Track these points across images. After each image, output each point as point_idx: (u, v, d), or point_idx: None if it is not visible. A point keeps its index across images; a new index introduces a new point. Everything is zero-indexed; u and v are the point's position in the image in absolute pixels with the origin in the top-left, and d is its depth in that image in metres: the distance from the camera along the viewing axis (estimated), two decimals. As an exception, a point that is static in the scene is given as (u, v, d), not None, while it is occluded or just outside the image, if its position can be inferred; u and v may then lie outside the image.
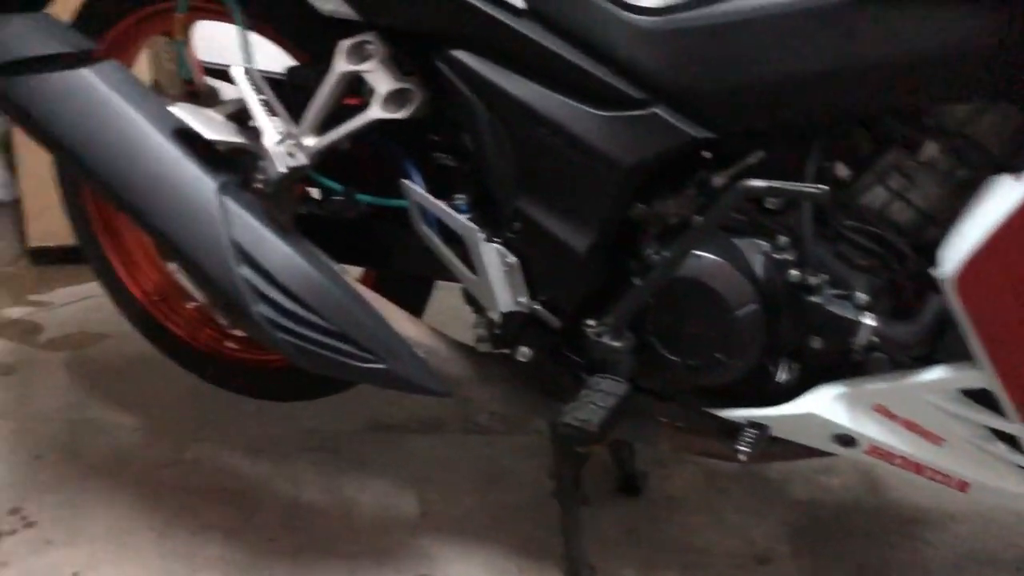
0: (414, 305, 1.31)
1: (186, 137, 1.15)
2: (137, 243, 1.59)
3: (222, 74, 1.38)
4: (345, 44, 1.09)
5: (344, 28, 1.13)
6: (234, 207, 1.12)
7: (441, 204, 1.09)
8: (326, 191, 1.22)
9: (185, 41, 1.27)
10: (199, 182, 1.12)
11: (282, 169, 1.12)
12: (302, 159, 1.12)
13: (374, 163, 1.22)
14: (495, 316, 1.12)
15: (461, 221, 1.08)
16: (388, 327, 1.13)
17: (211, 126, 1.14)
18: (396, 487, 1.54)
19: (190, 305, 1.60)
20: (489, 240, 1.07)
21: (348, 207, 1.22)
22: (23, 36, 1.17)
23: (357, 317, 1.12)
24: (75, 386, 1.88)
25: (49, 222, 2.47)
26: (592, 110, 1.00)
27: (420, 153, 1.16)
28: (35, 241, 2.50)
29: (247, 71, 1.12)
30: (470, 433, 1.67)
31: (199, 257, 1.11)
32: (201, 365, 1.58)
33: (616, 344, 1.02)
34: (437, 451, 1.63)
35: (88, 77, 1.16)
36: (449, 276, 1.17)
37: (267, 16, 1.24)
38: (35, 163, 2.47)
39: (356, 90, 1.16)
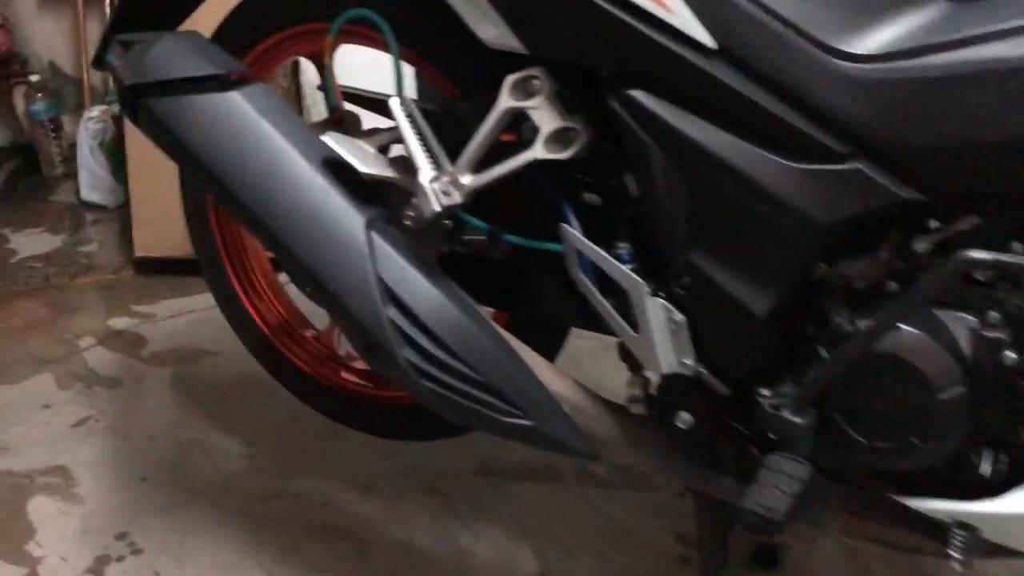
0: (546, 352, 1.24)
1: (335, 168, 1.10)
2: (261, 268, 1.55)
3: (360, 100, 1.33)
4: (511, 79, 1.02)
5: (504, 61, 1.07)
6: (382, 243, 1.06)
7: (602, 252, 1.01)
8: (470, 230, 1.16)
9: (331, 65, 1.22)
10: (347, 215, 1.07)
11: (437, 208, 1.05)
12: (457, 198, 1.06)
13: (522, 202, 1.15)
14: (654, 377, 1.03)
15: (625, 272, 1.00)
16: (535, 380, 1.06)
17: (364, 158, 1.08)
18: (512, 539, 1.46)
19: (309, 333, 1.55)
20: (654, 294, 0.99)
21: (493, 247, 1.15)
22: (172, 56, 1.14)
23: (504, 367, 1.04)
24: (180, 404, 1.85)
25: (156, 232, 2.47)
26: (785, 161, 0.91)
27: (574, 194, 1.09)
28: (141, 251, 2.50)
29: (403, 101, 1.06)
30: (586, 485, 1.58)
31: (343, 293, 1.05)
32: (319, 397, 1.53)
33: (798, 420, 0.93)
34: (552, 502, 1.54)
35: (237, 101, 1.11)
36: (601, 327, 1.09)
37: (421, 44, 1.18)
38: (146, 173, 2.47)
39: (511, 126, 1.10)
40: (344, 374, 1.51)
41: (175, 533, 1.48)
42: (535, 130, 1.06)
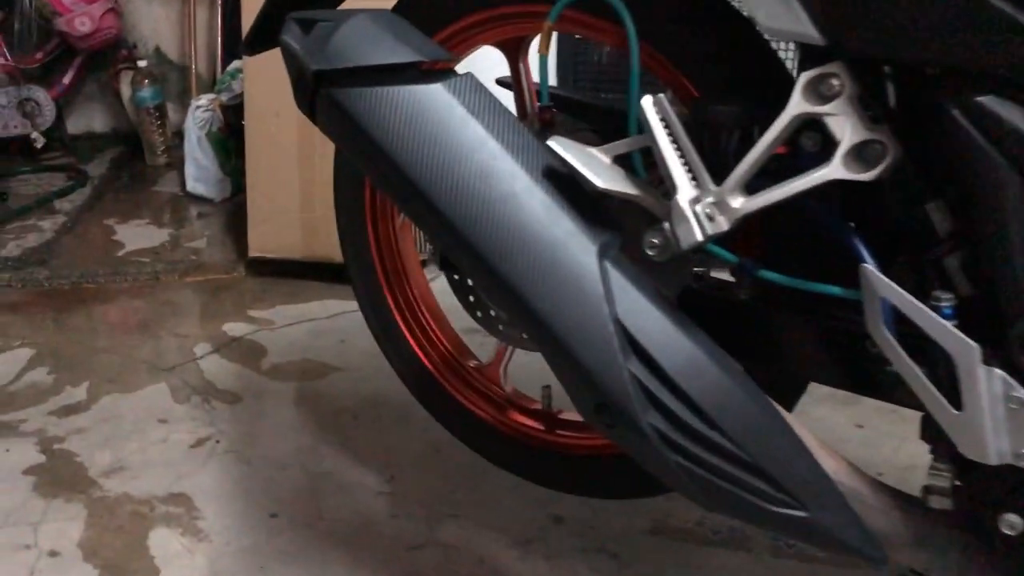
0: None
1: (560, 180, 0.90)
2: (421, 291, 1.36)
3: (561, 102, 1.14)
4: (808, 76, 0.81)
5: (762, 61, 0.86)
6: (619, 278, 0.86)
7: (921, 305, 0.79)
8: (713, 263, 0.95)
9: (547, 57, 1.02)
10: (575, 240, 0.86)
11: (699, 236, 0.85)
12: (723, 224, 0.85)
13: (785, 231, 0.93)
14: (976, 464, 0.81)
15: (953, 332, 0.77)
16: (811, 459, 0.84)
17: (599, 171, 0.88)
18: (701, 619, 1.25)
19: (472, 364, 1.35)
20: (989, 363, 0.77)
21: (741, 287, 0.94)
22: (364, 38, 0.95)
23: (775, 442, 0.83)
24: (307, 426, 1.67)
25: (272, 232, 2.32)
26: None
27: (864, 226, 0.87)
28: (256, 251, 2.35)
29: (657, 103, 0.85)
30: (782, 555, 1.36)
31: (569, 336, 0.85)
32: (480, 437, 1.33)
33: None
34: (743, 574, 1.32)
35: (443, 95, 0.92)
36: (896, 397, 0.87)
37: (662, 34, 0.97)
38: (264, 168, 2.32)
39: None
40: (512, 414, 1.32)
41: (312, 583, 1.30)
42: (820, 143, 0.84)
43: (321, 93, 0.95)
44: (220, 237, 2.62)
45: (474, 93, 0.93)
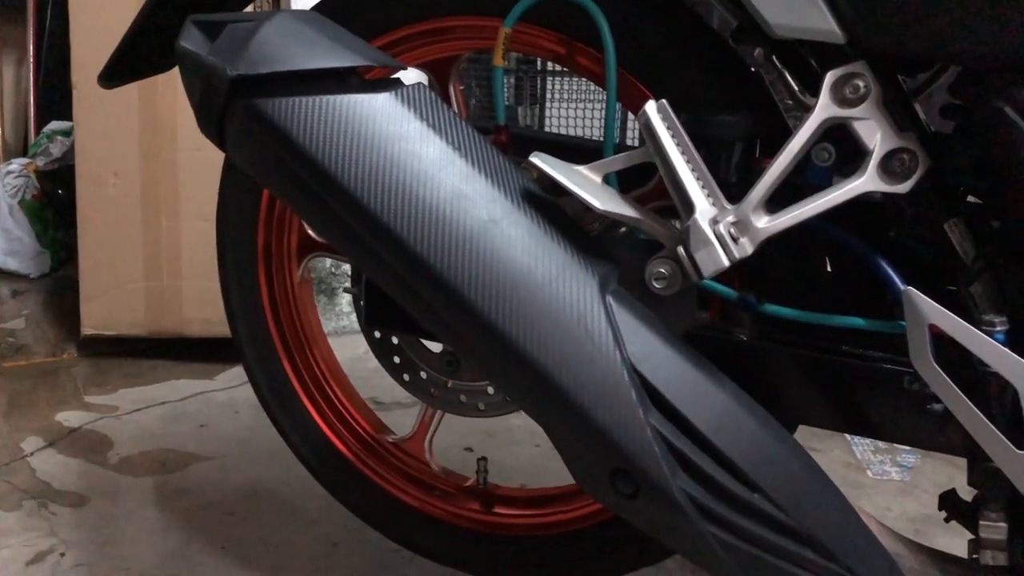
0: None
1: (543, 204, 0.75)
2: (324, 356, 1.17)
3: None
4: (835, 75, 0.71)
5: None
6: (627, 317, 0.72)
7: (976, 331, 0.69)
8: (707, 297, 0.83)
9: (506, 69, 0.88)
10: (573, 273, 0.72)
11: (724, 261, 0.72)
12: (747, 247, 0.72)
13: (785, 259, 0.83)
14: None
15: (1014, 359, 0.68)
16: (860, 522, 0.72)
17: (595, 192, 0.74)
18: None
19: (389, 440, 1.16)
20: (1054, 393, 0.68)
21: (742, 323, 0.82)
22: (293, 40, 0.78)
23: (823, 504, 0.70)
24: (173, 528, 1.41)
25: (108, 306, 2.05)
26: None
27: (891, 247, 0.77)
28: (89, 328, 2.05)
29: (662, 109, 0.73)
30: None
31: (575, 389, 0.69)
32: (400, 524, 1.14)
33: None
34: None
35: (396, 106, 0.76)
36: (937, 441, 0.76)
37: (633, 43, 0.86)
38: (98, 234, 2.05)
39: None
40: (441, 493, 1.13)
41: None
42: (834, 155, 0.75)
43: (237, 105, 0.77)
44: (42, 316, 2.29)
45: (431, 105, 0.78)
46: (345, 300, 2.26)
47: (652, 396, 0.70)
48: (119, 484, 1.53)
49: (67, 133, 2.64)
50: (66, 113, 2.27)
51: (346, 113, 0.75)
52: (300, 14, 0.81)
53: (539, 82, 2.48)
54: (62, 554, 1.34)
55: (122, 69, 1.07)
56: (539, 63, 2.45)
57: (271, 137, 0.76)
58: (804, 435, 0.85)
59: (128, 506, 1.47)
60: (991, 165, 0.70)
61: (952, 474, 1.58)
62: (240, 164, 0.83)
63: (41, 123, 2.95)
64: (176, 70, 0.86)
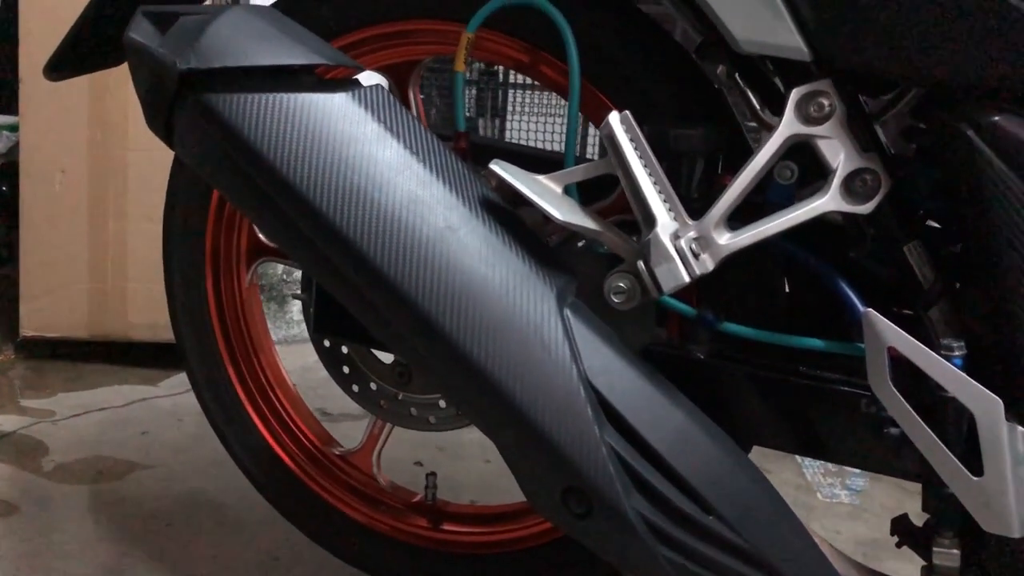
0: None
1: (501, 213, 0.73)
2: (271, 365, 1.14)
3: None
4: (800, 92, 0.70)
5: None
6: (583, 331, 0.70)
7: (934, 355, 0.69)
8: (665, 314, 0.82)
9: (467, 75, 0.86)
10: (531, 285, 0.70)
11: (684, 277, 0.71)
12: (708, 263, 0.71)
13: (746, 276, 0.82)
14: (993, 538, 0.71)
15: (972, 384, 0.68)
16: (814, 546, 0.71)
17: (555, 203, 0.72)
18: None
19: (336, 453, 1.13)
20: (1014, 420, 0.67)
21: (699, 341, 0.81)
22: (246, 35, 0.75)
23: (776, 527, 0.69)
24: (110, 539, 1.36)
25: (49, 308, 1.98)
26: None
27: (849, 268, 0.77)
28: (29, 330, 1.98)
29: (625, 120, 0.71)
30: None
31: (529, 404, 0.67)
32: (346, 542, 1.10)
33: None
34: None
35: (352, 107, 0.73)
36: (892, 465, 0.76)
37: (597, 52, 0.85)
38: (40, 234, 1.98)
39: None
40: (389, 509, 1.10)
41: None
42: (796, 174, 0.74)
43: (186, 100, 0.74)
44: (-23, 316, 2.21)
45: (389, 107, 0.75)
46: (296, 308, 2.22)
47: (608, 413, 0.68)
48: (52, 492, 1.47)
49: (13, 128, 2.57)
50: (12, 107, 2.21)
51: (300, 112, 0.72)
52: (256, 9, 0.79)
53: (500, 94, 2.48)
54: (-11, 565, 1.28)
55: (69, 61, 1.03)
56: (501, 75, 2.44)
57: (221, 134, 0.73)
58: (756, 456, 0.84)
59: (61, 515, 1.41)
60: (952, 188, 0.70)
61: (901, 498, 1.59)
62: (188, 162, 0.80)
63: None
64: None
